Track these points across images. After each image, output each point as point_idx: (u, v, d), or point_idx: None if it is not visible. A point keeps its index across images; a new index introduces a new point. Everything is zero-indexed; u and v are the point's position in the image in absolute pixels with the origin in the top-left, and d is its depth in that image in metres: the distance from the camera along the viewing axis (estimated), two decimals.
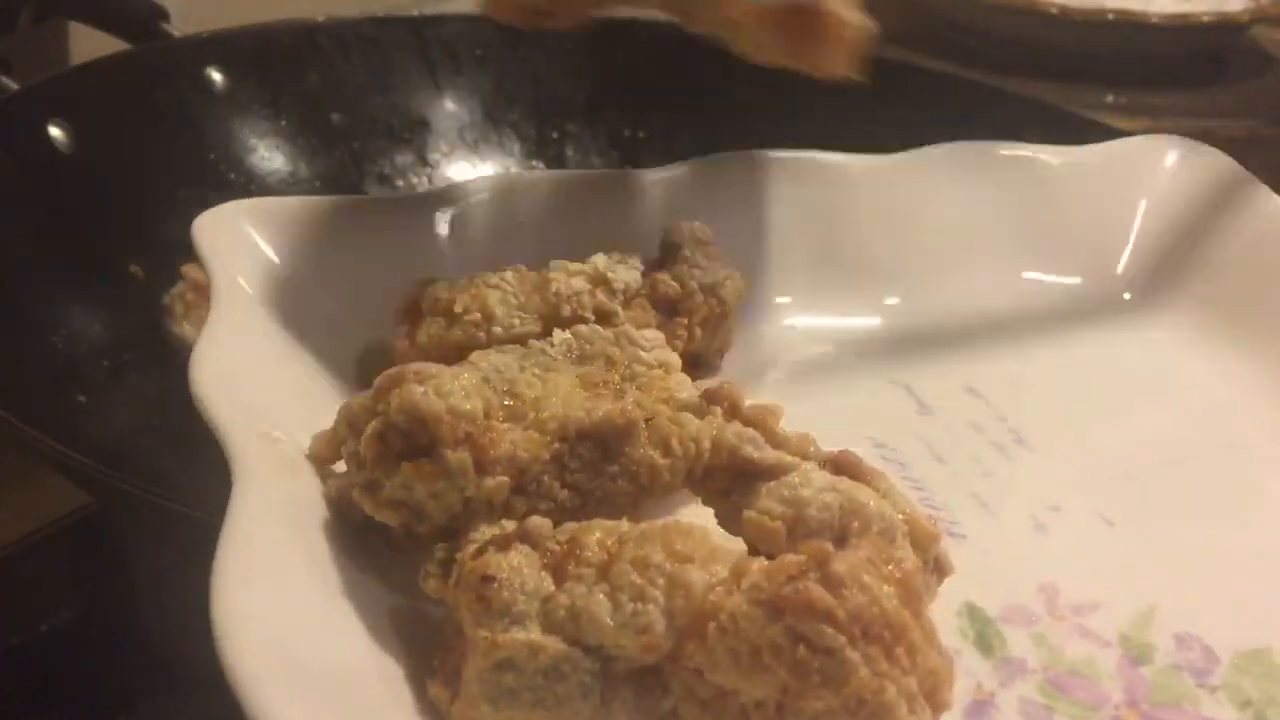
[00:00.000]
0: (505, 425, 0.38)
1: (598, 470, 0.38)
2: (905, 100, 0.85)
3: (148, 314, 0.68)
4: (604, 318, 0.46)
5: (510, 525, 0.36)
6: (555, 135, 0.89)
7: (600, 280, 0.47)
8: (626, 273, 0.47)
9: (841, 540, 0.35)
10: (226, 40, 0.81)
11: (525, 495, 0.38)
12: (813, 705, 0.32)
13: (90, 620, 0.61)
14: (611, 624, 0.33)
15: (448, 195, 0.54)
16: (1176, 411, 0.53)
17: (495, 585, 0.34)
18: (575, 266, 0.47)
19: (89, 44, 0.82)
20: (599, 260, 0.48)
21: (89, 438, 0.56)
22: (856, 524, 0.36)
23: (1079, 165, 0.61)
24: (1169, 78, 1.16)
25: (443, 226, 0.53)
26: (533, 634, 0.33)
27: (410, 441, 0.37)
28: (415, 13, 0.89)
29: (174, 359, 0.65)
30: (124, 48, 0.79)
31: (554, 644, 0.33)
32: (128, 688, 0.58)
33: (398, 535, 0.38)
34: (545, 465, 0.38)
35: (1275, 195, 0.58)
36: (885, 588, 0.32)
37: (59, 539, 0.63)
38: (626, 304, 0.47)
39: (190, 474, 0.60)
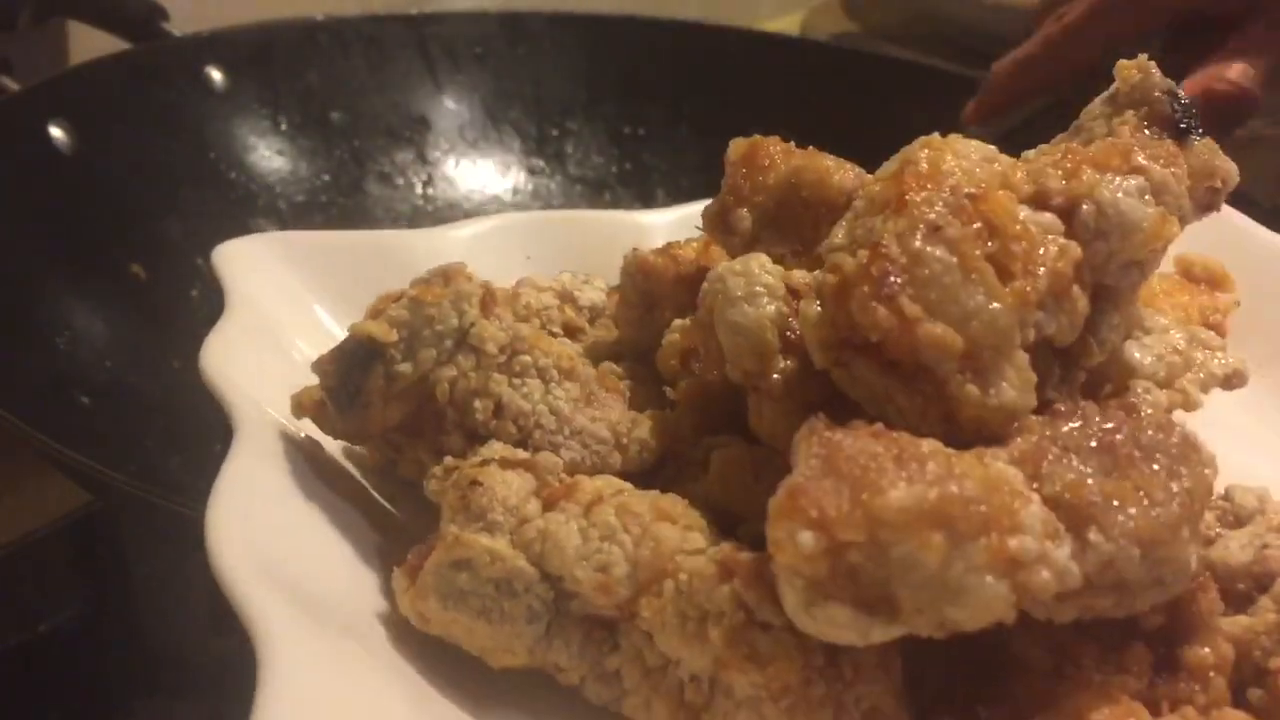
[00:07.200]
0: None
1: None
2: (906, 100, 0.85)
3: (148, 314, 0.68)
4: (572, 333, 0.46)
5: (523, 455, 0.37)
6: (555, 133, 0.89)
7: (568, 297, 0.47)
8: (593, 292, 0.48)
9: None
10: (226, 39, 0.81)
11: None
12: (739, 682, 0.31)
13: (90, 620, 0.61)
14: (573, 554, 0.33)
15: (447, 232, 0.55)
16: None
17: (479, 490, 0.34)
18: (544, 282, 0.48)
19: (89, 44, 0.82)
20: (565, 278, 0.48)
21: (90, 438, 0.56)
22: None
23: None
24: None
25: (441, 259, 0.53)
26: (498, 543, 0.33)
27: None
28: (415, 11, 0.89)
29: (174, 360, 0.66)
30: (124, 47, 0.79)
31: (514, 557, 0.33)
32: (128, 688, 0.58)
33: (405, 464, 0.39)
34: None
35: (1262, 228, 0.58)
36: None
37: (59, 539, 0.63)
38: (592, 322, 0.47)
39: (190, 474, 0.60)
